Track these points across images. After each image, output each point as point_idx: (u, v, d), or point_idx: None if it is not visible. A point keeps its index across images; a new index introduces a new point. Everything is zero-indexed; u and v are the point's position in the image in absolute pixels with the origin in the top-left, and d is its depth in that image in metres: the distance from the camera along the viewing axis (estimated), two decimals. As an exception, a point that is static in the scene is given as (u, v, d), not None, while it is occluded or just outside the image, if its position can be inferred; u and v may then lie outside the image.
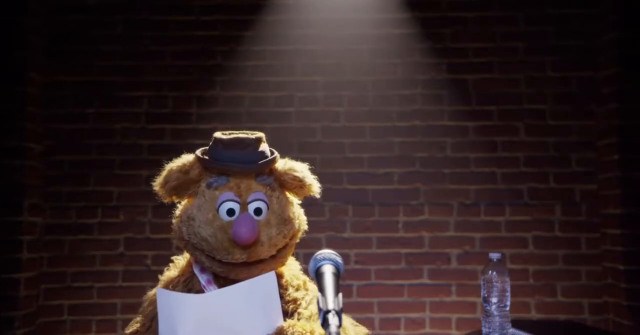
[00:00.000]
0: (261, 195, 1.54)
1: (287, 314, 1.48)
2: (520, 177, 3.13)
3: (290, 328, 1.39)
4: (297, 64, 3.21)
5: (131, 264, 3.07)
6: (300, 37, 3.20)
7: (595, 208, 3.09)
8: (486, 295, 1.70)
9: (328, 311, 1.04)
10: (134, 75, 3.18)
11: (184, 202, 1.61)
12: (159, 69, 3.19)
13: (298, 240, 1.62)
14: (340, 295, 1.09)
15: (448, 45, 3.21)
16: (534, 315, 3.03)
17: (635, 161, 2.92)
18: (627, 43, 2.97)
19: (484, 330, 1.70)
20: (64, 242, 3.07)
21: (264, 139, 1.60)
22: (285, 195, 1.60)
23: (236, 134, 1.58)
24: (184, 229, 1.54)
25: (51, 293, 3.04)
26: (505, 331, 1.68)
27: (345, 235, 3.12)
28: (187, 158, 1.58)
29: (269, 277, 1.47)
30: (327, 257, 1.24)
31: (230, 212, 1.51)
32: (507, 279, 1.70)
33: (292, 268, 1.63)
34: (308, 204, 1.67)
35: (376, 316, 3.05)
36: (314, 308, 1.49)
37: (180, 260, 1.66)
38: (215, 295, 1.47)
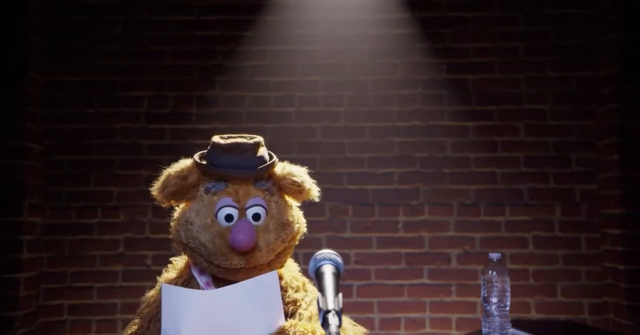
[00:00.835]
0: (260, 201, 1.53)
1: (287, 316, 1.48)
2: (520, 177, 3.13)
3: (292, 328, 1.39)
4: (297, 64, 3.21)
5: (131, 264, 3.07)
6: (300, 37, 3.20)
7: (595, 208, 3.08)
8: (486, 295, 1.70)
9: (328, 311, 1.04)
10: (134, 75, 3.18)
11: (182, 204, 1.60)
12: (159, 69, 3.19)
13: (297, 243, 1.62)
14: (340, 295, 1.09)
15: (448, 45, 3.21)
16: (534, 315, 3.03)
17: (635, 161, 2.91)
18: (627, 43, 2.97)
19: (484, 330, 1.70)
20: (64, 242, 3.07)
21: (263, 143, 1.59)
22: (284, 199, 1.59)
23: (235, 138, 1.56)
24: (182, 232, 1.54)
25: (51, 293, 3.04)
26: (505, 331, 1.68)
27: (345, 235, 3.12)
28: (185, 163, 1.57)
29: (272, 276, 1.47)
30: (327, 257, 1.24)
31: (229, 217, 1.50)
32: (507, 279, 1.70)
33: (291, 269, 1.63)
34: (308, 204, 1.66)
35: (376, 316, 3.05)
36: (313, 309, 1.49)
37: (179, 262, 1.66)
38: (218, 293, 1.48)
